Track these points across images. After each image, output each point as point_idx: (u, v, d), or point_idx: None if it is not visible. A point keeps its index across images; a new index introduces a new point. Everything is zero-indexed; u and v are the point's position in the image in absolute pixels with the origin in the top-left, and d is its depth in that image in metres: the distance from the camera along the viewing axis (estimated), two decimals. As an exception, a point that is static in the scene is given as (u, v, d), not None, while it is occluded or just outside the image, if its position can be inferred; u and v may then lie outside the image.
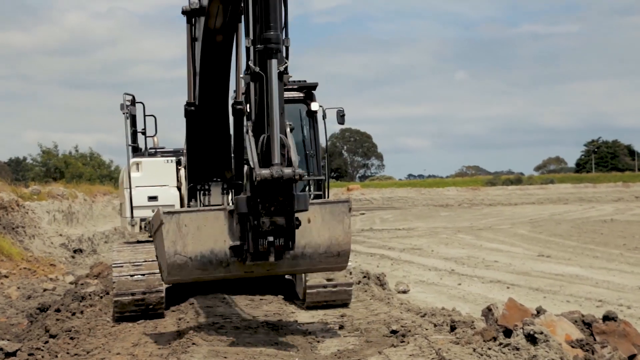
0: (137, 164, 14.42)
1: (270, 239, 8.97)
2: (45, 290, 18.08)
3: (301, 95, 14.78)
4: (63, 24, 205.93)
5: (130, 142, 14.15)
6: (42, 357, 9.68)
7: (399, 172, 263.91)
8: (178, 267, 9.37)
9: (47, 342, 9.69)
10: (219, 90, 13.03)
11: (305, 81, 14.81)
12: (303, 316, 12.68)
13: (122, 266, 12.53)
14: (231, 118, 12.86)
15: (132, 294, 12.41)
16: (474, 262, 22.64)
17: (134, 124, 14.73)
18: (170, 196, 14.30)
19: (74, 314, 13.01)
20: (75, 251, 26.04)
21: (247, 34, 9.26)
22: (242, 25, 10.88)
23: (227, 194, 14.20)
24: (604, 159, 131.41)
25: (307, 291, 13.15)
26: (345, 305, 13.38)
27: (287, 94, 14.44)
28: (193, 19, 12.00)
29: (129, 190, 13.85)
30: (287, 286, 14.43)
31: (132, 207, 13.74)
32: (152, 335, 10.98)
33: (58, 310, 13.43)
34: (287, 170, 8.70)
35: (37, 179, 57.84)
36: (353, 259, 16.29)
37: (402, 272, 20.94)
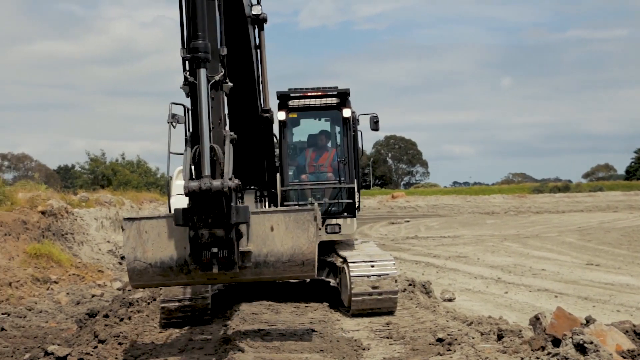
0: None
1: (215, 250, 8.88)
2: (93, 296, 18.31)
3: (334, 101, 14.63)
4: (110, 34, 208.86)
5: (175, 151, 14.24)
6: (91, 362, 9.79)
7: (444, 179, 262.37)
8: (139, 272, 9.40)
9: (96, 347, 9.80)
10: (245, 99, 13.16)
11: (337, 87, 14.68)
12: (348, 323, 12.66)
13: (169, 273, 12.60)
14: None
15: (179, 301, 12.51)
16: (521, 271, 22.42)
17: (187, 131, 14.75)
18: None
19: (122, 319, 13.15)
20: (122, 258, 26.30)
21: (182, 44, 9.11)
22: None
23: (261, 201, 14.29)
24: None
25: (353, 299, 13.13)
26: (390, 313, 13.33)
27: (319, 101, 14.47)
28: None
29: (168, 198, 13.99)
30: (333, 293, 14.42)
31: None
32: (198, 341, 11.05)
33: (106, 316, 13.58)
34: (216, 183, 8.58)
35: (85, 186, 58.59)
36: (398, 267, 16.22)
37: (447, 280, 20.81)
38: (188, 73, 8.99)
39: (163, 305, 12.57)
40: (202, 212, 8.77)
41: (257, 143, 13.65)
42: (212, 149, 8.83)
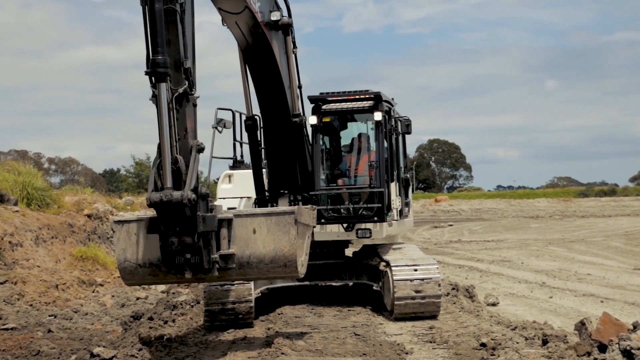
0: (229, 175, 14.75)
1: (188, 256, 9.14)
2: (138, 298, 18.48)
3: (365, 105, 14.47)
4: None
5: (219, 155, 14.34)
6: (136, 364, 9.89)
7: (488, 183, 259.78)
8: (129, 272, 9.74)
9: (140, 349, 9.90)
10: (273, 104, 13.26)
11: (367, 90, 14.54)
12: (391, 327, 12.63)
13: (212, 276, 12.68)
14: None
15: (222, 304, 12.58)
16: (566, 275, 22.18)
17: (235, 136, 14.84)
18: (248, 207, 14.49)
19: (166, 322, 13.26)
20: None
21: (146, 59, 9.13)
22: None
23: (295, 205, 14.32)
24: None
25: (396, 303, 13.10)
26: (433, 317, 13.28)
27: (352, 104, 14.43)
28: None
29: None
30: (376, 297, 14.40)
31: None
32: (241, 344, 11.11)
33: (151, 319, 13.71)
34: (176, 194, 8.75)
35: (130, 189, 59.29)
36: (442, 271, 16.14)
37: (491, 284, 20.66)
38: (153, 87, 9.12)
39: (207, 308, 12.67)
40: (167, 222, 9.04)
41: (289, 148, 13.73)
42: (175, 160, 9.02)
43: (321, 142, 14.74)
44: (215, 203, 9.88)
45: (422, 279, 13.16)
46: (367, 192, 14.14)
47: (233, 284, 12.58)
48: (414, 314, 13.22)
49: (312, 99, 14.53)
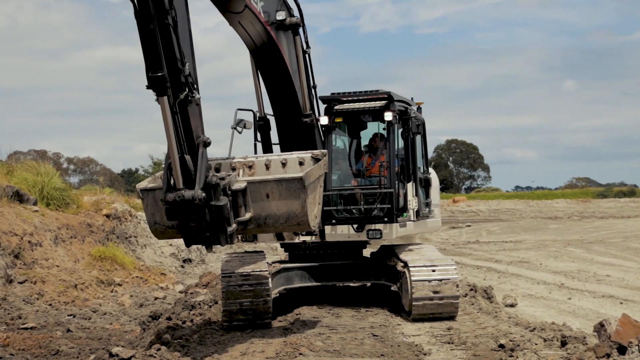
0: None
1: (207, 234, 10.06)
2: (156, 298, 18.57)
3: (377, 105, 14.40)
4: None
5: (237, 155, 14.37)
6: (154, 363, 9.92)
7: (506, 183, 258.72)
8: (160, 232, 10.72)
9: (159, 349, 9.93)
10: (284, 104, 13.30)
11: (378, 90, 14.48)
12: (409, 328, 12.61)
13: (230, 276, 12.74)
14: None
15: (240, 304, 12.61)
16: (585, 276, 22.07)
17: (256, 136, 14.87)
18: None
19: (184, 322, 13.31)
20: (184, 261, 26.65)
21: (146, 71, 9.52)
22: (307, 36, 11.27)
23: None
24: None
25: (414, 303, 13.08)
26: (452, 318, 13.24)
27: (363, 105, 14.40)
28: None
29: None
30: (393, 298, 14.39)
31: None
32: (259, 344, 11.13)
33: (169, 319, 13.76)
34: (187, 194, 9.63)
35: (149, 190, 59.39)
36: (460, 271, 16.10)
37: (509, 285, 20.60)
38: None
39: (225, 308, 12.69)
40: (183, 215, 9.87)
41: (301, 147, 13.76)
42: (183, 160, 9.75)
43: (334, 143, 14.72)
44: (229, 174, 10.48)
45: (440, 280, 13.13)
46: (377, 193, 14.07)
47: (251, 285, 12.60)
48: (432, 315, 13.19)
49: (324, 100, 14.53)
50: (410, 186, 14.70)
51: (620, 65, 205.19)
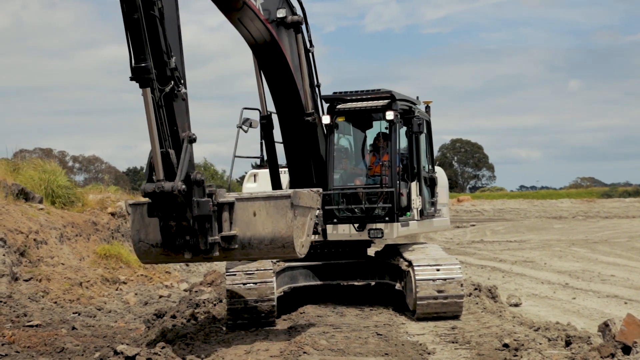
0: (254, 175, 14.84)
1: (187, 238, 9.85)
2: (161, 297, 18.61)
3: (379, 104, 14.32)
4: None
5: (242, 154, 14.40)
6: (159, 361, 9.94)
7: (511, 183, 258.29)
8: (144, 252, 10.48)
9: (163, 347, 9.95)
10: (286, 102, 13.29)
11: (379, 90, 14.43)
12: (413, 327, 12.62)
13: (235, 274, 12.76)
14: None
15: (245, 302, 12.63)
16: (589, 276, 22.05)
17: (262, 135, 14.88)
18: None
19: (188, 320, 13.34)
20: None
21: (129, 64, 9.48)
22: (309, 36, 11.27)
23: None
24: None
25: (418, 302, 13.09)
26: (456, 317, 13.24)
27: (365, 104, 14.37)
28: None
29: None
30: (398, 297, 14.39)
31: None
32: (264, 343, 11.14)
33: (174, 317, 13.80)
34: (167, 185, 9.43)
35: (153, 188, 59.41)
36: (464, 271, 16.10)
37: (513, 285, 20.59)
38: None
39: (229, 306, 12.72)
40: (163, 209, 9.72)
41: (303, 146, 13.76)
42: (166, 154, 9.59)
43: (336, 142, 14.71)
44: (218, 189, 10.33)
45: (445, 279, 13.14)
46: (379, 192, 14.05)
47: (256, 284, 12.63)
48: (436, 314, 13.19)
49: (326, 99, 14.51)
50: (414, 185, 14.69)
51: (625, 65, 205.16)
